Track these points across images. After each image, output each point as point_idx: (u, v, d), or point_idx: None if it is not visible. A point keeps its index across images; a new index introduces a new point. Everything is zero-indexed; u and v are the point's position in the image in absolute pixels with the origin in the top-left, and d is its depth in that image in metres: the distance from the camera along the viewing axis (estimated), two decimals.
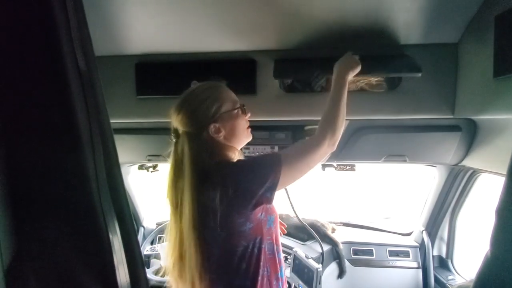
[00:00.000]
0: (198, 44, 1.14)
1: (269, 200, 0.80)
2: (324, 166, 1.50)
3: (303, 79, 1.16)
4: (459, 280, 1.56)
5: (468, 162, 1.26)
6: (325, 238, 1.73)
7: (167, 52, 1.17)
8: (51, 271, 0.42)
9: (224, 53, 1.16)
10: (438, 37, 1.04)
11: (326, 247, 1.69)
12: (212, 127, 0.84)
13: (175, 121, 0.88)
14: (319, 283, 1.39)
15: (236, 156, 0.91)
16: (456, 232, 1.63)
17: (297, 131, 1.29)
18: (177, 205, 0.84)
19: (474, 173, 1.40)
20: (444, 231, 1.67)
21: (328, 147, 0.85)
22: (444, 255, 1.69)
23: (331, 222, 1.93)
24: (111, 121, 1.31)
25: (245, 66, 1.15)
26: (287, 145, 1.32)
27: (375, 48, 1.09)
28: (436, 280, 1.63)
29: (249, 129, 0.94)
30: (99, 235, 0.44)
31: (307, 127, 1.29)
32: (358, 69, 0.94)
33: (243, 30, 1.07)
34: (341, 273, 1.67)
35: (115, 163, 0.50)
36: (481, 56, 0.92)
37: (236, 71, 1.15)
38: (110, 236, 0.45)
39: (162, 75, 1.18)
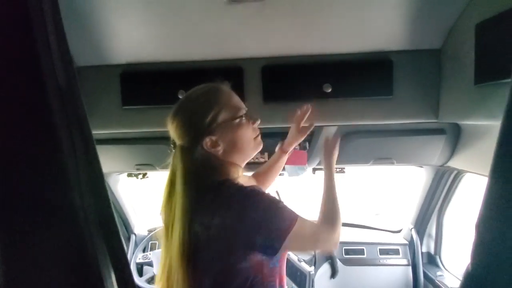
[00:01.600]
0: (184, 53, 1.13)
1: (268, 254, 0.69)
2: (314, 169, 1.51)
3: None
4: (447, 276, 1.61)
5: (453, 163, 1.30)
6: None
7: (152, 61, 1.16)
8: (31, 285, 0.41)
9: (210, 61, 1.15)
10: (421, 43, 1.06)
11: None
12: (207, 141, 0.71)
13: (171, 131, 0.76)
14: (312, 286, 1.41)
15: (239, 175, 0.77)
16: (443, 229, 1.67)
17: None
18: (168, 227, 0.73)
19: (459, 173, 1.44)
20: (432, 229, 1.72)
21: (329, 246, 0.81)
22: (432, 251, 1.73)
23: None
24: (98, 131, 1.29)
25: (232, 74, 1.14)
26: None
27: (361, 54, 1.10)
28: (425, 276, 1.67)
29: (258, 137, 0.80)
30: (83, 246, 0.43)
31: None
32: (337, 152, 1.02)
33: (230, 38, 1.06)
34: (333, 273, 1.70)
35: (99, 175, 0.49)
36: (463, 62, 0.94)
37: (222, 79, 1.14)
38: (95, 246, 0.45)
39: (148, 84, 1.16)
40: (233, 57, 1.14)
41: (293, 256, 1.55)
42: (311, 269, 1.44)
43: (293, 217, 0.68)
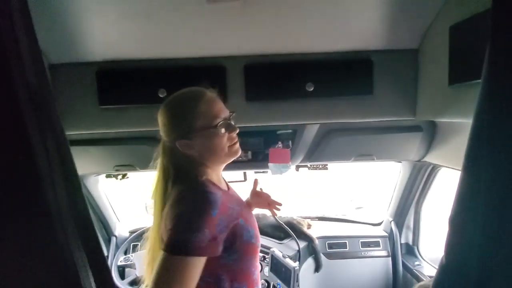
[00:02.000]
0: (164, 51, 1.10)
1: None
2: (298, 166, 1.53)
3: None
4: (424, 265, 1.69)
5: (429, 158, 1.35)
6: (301, 235, 1.78)
7: (130, 58, 1.11)
8: None
9: (192, 59, 1.12)
10: (400, 43, 1.09)
11: (303, 244, 1.74)
12: (182, 143, 0.77)
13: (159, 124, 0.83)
14: (297, 281, 1.44)
15: (214, 175, 0.83)
16: (420, 220, 1.75)
17: (269, 136, 1.30)
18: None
19: (435, 167, 1.51)
20: (410, 221, 1.79)
21: None
22: (410, 242, 1.82)
23: (306, 218, 1.99)
24: (74, 132, 1.24)
25: (215, 72, 1.13)
26: (261, 149, 1.33)
27: (342, 53, 1.12)
28: (404, 266, 1.75)
29: (234, 146, 0.81)
30: (59, 249, 0.42)
31: (279, 131, 1.30)
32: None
33: (211, 35, 1.04)
34: (317, 267, 1.74)
35: (73, 177, 0.48)
36: (438, 63, 0.97)
37: (204, 78, 1.12)
38: (72, 249, 0.43)
39: (126, 83, 1.12)
40: (215, 56, 1.13)
41: (277, 252, 1.56)
42: (295, 264, 1.47)
43: (187, 246, 0.65)
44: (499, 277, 0.44)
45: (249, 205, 1.07)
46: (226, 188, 0.90)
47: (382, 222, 1.95)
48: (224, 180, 0.94)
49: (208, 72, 1.12)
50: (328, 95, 1.13)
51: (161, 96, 1.11)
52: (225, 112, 0.80)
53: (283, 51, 1.12)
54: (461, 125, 1.10)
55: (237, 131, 0.82)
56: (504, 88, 0.44)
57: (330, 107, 1.14)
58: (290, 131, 1.29)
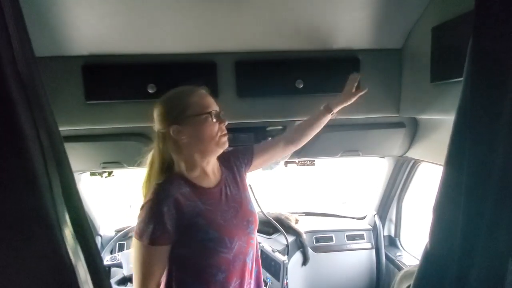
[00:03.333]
0: (154, 45, 1.08)
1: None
2: (286, 162, 1.56)
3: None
4: (405, 256, 1.78)
5: (411, 154, 1.42)
6: (289, 229, 1.82)
7: (119, 53, 1.09)
8: None
9: (182, 55, 1.11)
10: (384, 43, 1.13)
11: (291, 238, 1.78)
12: (174, 128, 0.82)
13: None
14: (286, 274, 1.47)
15: (198, 169, 0.87)
16: (402, 213, 1.84)
17: (259, 132, 1.32)
18: None
19: (416, 162, 1.58)
20: (392, 214, 1.87)
21: None
22: (392, 234, 1.90)
23: (294, 213, 2.03)
24: (59, 128, 1.21)
25: (205, 68, 1.12)
26: (251, 145, 1.34)
27: (330, 51, 1.15)
28: (387, 257, 1.83)
29: (223, 137, 0.85)
30: (57, 250, 0.41)
31: (269, 128, 1.32)
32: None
33: (201, 31, 1.04)
34: (305, 261, 1.78)
35: (68, 172, 0.47)
36: (421, 62, 1.02)
37: (195, 74, 1.12)
38: (70, 250, 0.43)
39: (114, 78, 1.09)
40: (206, 51, 1.12)
41: (267, 247, 1.59)
42: (284, 258, 1.50)
43: (142, 236, 0.78)
44: (480, 260, 0.48)
45: (328, 111, 1.03)
46: (209, 185, 0.88)
47: (366, 216, 2.02)
48: (222, 177, 0.93)
49: (198, 68, 1.12)
50: (317, 92, 1.16)
51: (150, 91, 1.10)
52: (215, 106, 0.86)
53: (274, 48, 1.13)
54: (440, 122, 1.17)
55: (226, 123, 0.86)
56: (484, 86, 0.47)
57: (319, 104, 1.17)
58: (280, 127, 1.31)
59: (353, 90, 1.03)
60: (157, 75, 1.10)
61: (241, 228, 0.88)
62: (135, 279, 0.81)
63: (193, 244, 0.81)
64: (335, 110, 1.04)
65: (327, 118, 1.05)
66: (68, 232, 0.45)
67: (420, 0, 0.98)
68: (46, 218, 0.41)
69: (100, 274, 0.51)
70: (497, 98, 0.45)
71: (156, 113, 0.86)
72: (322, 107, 1.05)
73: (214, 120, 0.83)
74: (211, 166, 0.91)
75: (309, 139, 1.08)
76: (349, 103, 1.04)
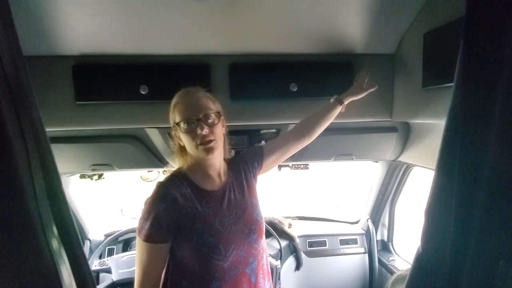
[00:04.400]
0: (147, 46, 1.07)
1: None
2: (280, 166, 1.55)
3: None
4: (398, 260, 1.78)
5: (403, 158, 1.43)
6: (283, 234, 1.81)
7: (110, 53, 1.07)
8: None
9: (176, 56, 1.11)
10: (377, 48, 1.15)
11: (284, 243, 1.76)
12: (171, 133, 0.89)
13: None
14: (278, 279, 1.46)
15: (199, 169, 0.86)
16: (394, 218, 1.85)
17: (253, 135, 1.31)
18: None
19: (408, 167, 1.60)
20: (385, 218, 1.88)
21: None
22: (385, 239, 1.90)
23: (287, 217, 2.02)
24: (48, 129, 1.18)
25: (199, 70, 1.12)
26: (244, 148, 1.33)
27: (324, 55, 1.15)
28: (380, 261, 1.83)
29: (202, 146, 0.81)
30: (41, 255, 0.40)
31: (263, 131, 1.31)
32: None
33: (195, 33, 1.03)
34: (298, 266, 1.77)
35: (54, 174, 0.46)
36: (413, 67, 1.04)
37: (189, 76, 1.11)
38: (54, 255, 0.42)
39: (105, 78, 1.08)
40: (200, 53, 1.12)
41: (266, 247, 1.58)
42: (277, 263, 1.48)
43: (141, 232, 0.80)
44: (471, 263, 0.48)
45: (339, 102, 1.05)
46: (212, 188, 0.87)
47: (359, 220, 2.03)
48: (228, 181, 0.90)
49: (192, 70, 1.11)
50: (311, 96, 1.16)
51: (143, 93, 1.09)
52: (196, 113, 0.81)
53: (268, 51, 1.13)
54: (432, 126, 1.18)
55: (203, 131, 0.80)
56: (474, 91, 0.47)
57: (313, 107, 1.17)
58: (274, 130, 1.31)
59: (364, 84, 1.06)
60: (149, 76, 1.09)
61: (241, 236, 0.85)
62: (135, 275, 0.83)
63: (188, 247, 0.80)
64: (346, 102, 1.05)
65: (338, 110, 1.06)
66: (52, 236, 0.44)
67: (412, 7, 0.99)
68: (29, 221, 0.40)
69: (85, 278, 0.49)
70: (487, 103, 0.46)
71: None
72: (332, 99, 1.06)
73: (183, 131, 0.81)
74: (215, 169, 0.88)
75: (321, 131, 1.07)
76: (359, 97, 1.06)
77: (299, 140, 1.04)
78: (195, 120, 0.80)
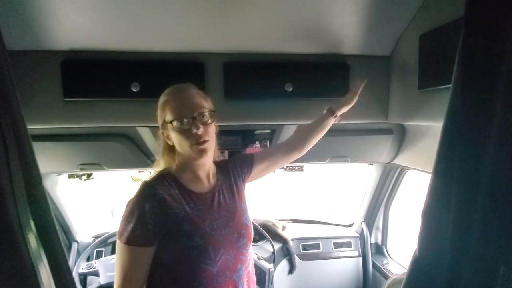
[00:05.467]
0: (139, 42, 1.04)
1: None
2: None
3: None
4: (392, 264, 1.77)
5: (398, 161, 1.43)
6: (276, 237, 1.78)
7: (100, 49, 1.04)
8: None
9: (169, 53, 1.08)
10: (373, 50, 1.14)
11: (277, 246, 1.74)
12: (160, 132, 0.84)
13: None
14: (271, 283, 1.43)
15: (188, 171, 0.83)
16: (389, 221, 1.84)
17: (247, 135, 1.29)
18: None
19: (403, 170, 1.59)
20: (379, 221, 1.87)
21: None
22: (379, 242, 1.89)
23: (281, 220, 2.00)
24: (34, 126, 1.13)
25: (193, 68, 1.09)
26: (238, 148, 1.31)
27: (320, 55, 1.14)
28: (373, 265, 1.82)
29: (198, 146, 0.78)
30: (19, 256, 0.39)
31: (257, 131, 1.29)
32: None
33: (190, 30, 1.01)
34: (291, 269, 1.74)
35: (35, 173, 0.44)
36: (409, 69, 1.03)
37: (182, 75, 1.09)
38: (34, 259, 0.40)
39: (95, 74, 1.04)
40: (194, 51, 1.09)
41: (253, 254, 1.55)
42: (270, 266, 1.46)
43: (123, 235, 0.74)
44: (470, 267, 0.46)
45: (331, 113, 1.03)
46: (201, 190, 0.84)
47: (354, 223, 2.01)
48: (217, 184, 0.88)
49: (186, 68, 1.09)
50: (306, 96, 1.15)
51: (134, 90, 1.06)
52: (189, 112, 0.78)
53: (263, 51, 1.12)
54: (427, 129, 1.17)
55: (199, 131, 0.77)
56: (473, 92, 0.46)
57: (308, 108, 1.15)
58: (268, 131, 1.29)
59: (357, 95, 1.03)
60: (141, 74, 1.06)
61: (230, 240, 0.82)
62: (115, 283, 0.76)
63: (175, 251, 0.76)
64: (339, 113, 1.03)
65: (331, 121, 1.04)
66: (31, 237, 0.42)
67: (408, 9, 0.99)
68: (6, 221, 0.38)
69: (66, 279, 0.47)
70: (486, 103, 0.44)
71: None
72: (325, 111, 1.04)
73: (176, 130, 0.77)
74: (205, 170, 0.86)
75: (313, 144, 1.07)
76: (350, 106, 1.04)
77: (289, 153, 1.04)
78: (189, 119, 0.77)
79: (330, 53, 1.15)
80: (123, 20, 0.94)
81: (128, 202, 0.76)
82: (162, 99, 0.82)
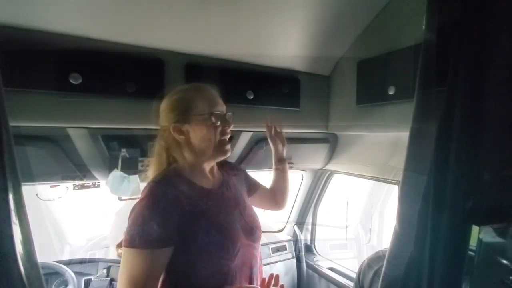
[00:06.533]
0: (84, 26, 0.87)
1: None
2: None
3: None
4: (320, 259, 1.99)
5: (330, 166, 1.66)
6: None
7: (31, 28, 0.81)
8: None
9: (122, 45, 0.94)
10: (315, 69, 1.32)
11: None
12: (175, 126, 0.78)
13: None
14: None
15: (196, 170, 0.81)
16: (317, 221, 2.07)
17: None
18: None
19: (331, 174, 1.86)
20: (309, 222, 2.08)
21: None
22: (309, 242, 2.10)
23: None
24: None
25: (151, 65, 0.99)
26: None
27: (276, 68, 1.24)
28: (306, 263, 1.99)
29: (224, 145, 0.82)
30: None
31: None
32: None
33: (149, 23, 0.92)
34: None
35: (14, 181, 0.37)
36: (347, 87, 1.25)
37: (138, 69, 0.97)
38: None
39: (22, 59, 0.80)
40: (153, 47, 1.00)
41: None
42: None
43: (136, 239, 0.67)
44: (442, 235, 0.58)
45: (278, 170, 1.14)
46: (209, 186, 0.83)
47: (284, 228, 2.16)
48: (224, 180, 0.89)
49: (142, 64, 0.97)
50: (266, 105, 1.21)
51: (73, 82, 0.87)
52: (221, 107, 0.82)
53: (227, 56, 1.13)
54: (356, 138, 1.44)
55: (230, 126, 0.83)
56: (468, 95, 0.53)
57: (266, 116, 1.22)
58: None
59: (276, 140, 1.15)
60: (84, 63, 0.88)
61: (245, 234, 0.81)
62: None
63: (194, 249, 0.71)
64: (280, 166, 1.15)
65: (286, 168, 1.16)
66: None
67: (346, 39, 1.21)
68: None
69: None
70: (479, 107, 0.52)
71: (160, 110, 0.82)
72: (273, 167, 1.16)
73: (216, 121, 0.79)
74: (211, 165, 0.86)
75: (288, 195, 1.17)
76: (281, 149, 1.15)
77: (274, 204, 1.14)
78: (225, 115, 0.81)
79: (284, 68, 1.26)
80: None
81: (136, 205, 0.70)
82: (182, 93, 0.80)
